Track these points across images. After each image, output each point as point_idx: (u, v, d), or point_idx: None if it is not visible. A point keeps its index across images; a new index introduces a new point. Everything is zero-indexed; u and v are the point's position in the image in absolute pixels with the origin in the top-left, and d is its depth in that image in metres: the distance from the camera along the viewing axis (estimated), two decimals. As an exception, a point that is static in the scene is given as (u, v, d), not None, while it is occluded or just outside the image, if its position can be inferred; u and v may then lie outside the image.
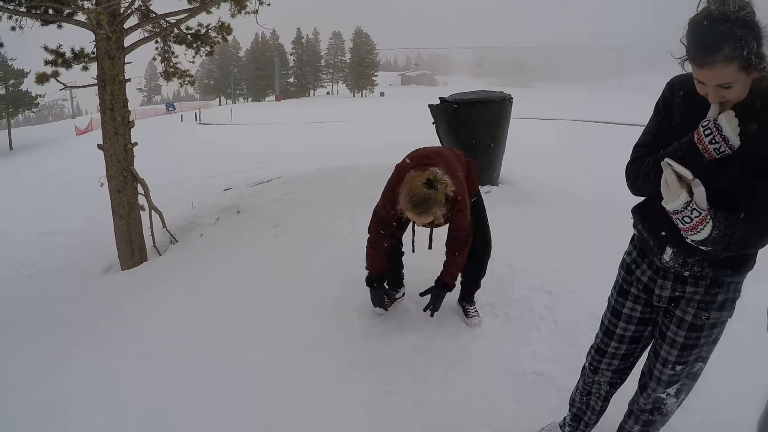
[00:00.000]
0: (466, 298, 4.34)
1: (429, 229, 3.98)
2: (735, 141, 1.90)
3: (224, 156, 18.99)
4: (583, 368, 2.72)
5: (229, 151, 20.64)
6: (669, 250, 2.18)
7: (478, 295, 4.42)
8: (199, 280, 5.30)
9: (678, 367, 2.31)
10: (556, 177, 9.07)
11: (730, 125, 1.89)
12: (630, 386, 2.65)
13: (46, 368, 4.08)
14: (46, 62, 7.47)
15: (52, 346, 4.45)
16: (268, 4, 8.02)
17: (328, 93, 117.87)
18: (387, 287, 4.23)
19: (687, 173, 1.86)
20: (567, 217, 6.59)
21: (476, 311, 4.28)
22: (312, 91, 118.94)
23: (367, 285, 4.09)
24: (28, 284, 7.20)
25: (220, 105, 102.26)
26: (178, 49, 8.70)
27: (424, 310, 3.95)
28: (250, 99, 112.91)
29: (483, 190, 7.24)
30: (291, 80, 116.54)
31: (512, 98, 7.39)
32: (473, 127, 7.05)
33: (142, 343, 4.25)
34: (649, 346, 2.50)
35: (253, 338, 4.16)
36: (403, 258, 4.44)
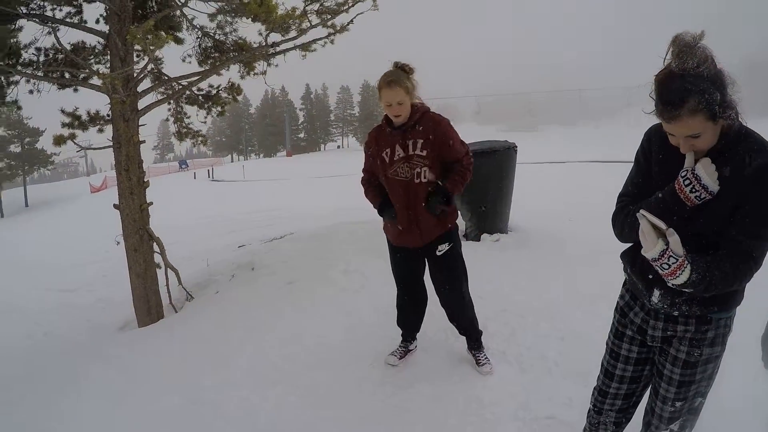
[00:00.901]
0: (473, 345, 4.38)
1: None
2: (714, 187, 2.03)
3: (237, 212, 19.16)
4: (588, 410, 2.76)
5: (242, 207, 20.81)
6: (657, 292, 2.28)
7: (488, 344, 4.46)
8: (217, 337, 5.38)
9: (678, 404, 2.37)
10: (566, 222, 9.13)
11: (707, 173, 2.02)
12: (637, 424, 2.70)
13: (62, 424, 4.17)
14: (63, 124, 7.69)
15: (69, 402, 4.53)
16: (276, 65, 8.25)
17: (338, 147, 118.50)
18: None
19: (661, 224, 1.99)
20: (577, 261, 6.63)
21: (486, 358, 4.31)
22: (323, 146, 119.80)
23: (381, 215, 4.13)
24: (44, 342, 7.30)
25: (232, 161, 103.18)
26: (190, 110, 8.92)
27: (427, 208, 3.93)
28: (261, 155, 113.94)
29: (492, 238, 7.40)
30: (301, 135, 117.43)
31: (516, 147, 7.54)
32: (480, 176, 7.16)
33: (163, 402, 4.32)
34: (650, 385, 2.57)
35: (269, 394, 4.23)
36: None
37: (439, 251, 4.05)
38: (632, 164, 2.40)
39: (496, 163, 7.23)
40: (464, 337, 4.41)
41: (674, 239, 1.98)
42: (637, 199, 2.30)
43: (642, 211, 2.04)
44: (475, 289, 4.29)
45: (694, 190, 2.05)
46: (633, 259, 2.38)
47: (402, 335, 4.52)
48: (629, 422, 2.73)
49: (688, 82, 1.90)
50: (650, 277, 2.25)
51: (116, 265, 9.51)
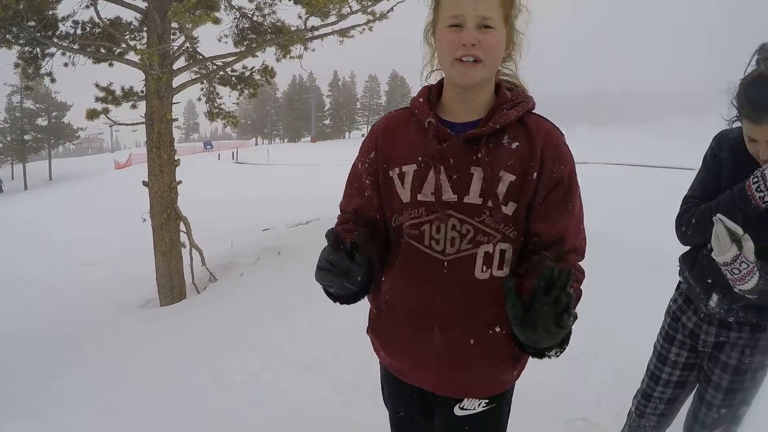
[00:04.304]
0: None
1: None
2: None
3: (261, 195, 19.16)
4: (629, 412, 2.73)
5: (266, 190, 20.84)
6: (715, 297, 2.25)
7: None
8: (243, 320, 5.36)
9: (723, 410, 2.35)
10: (599, 224, 9.00)
11: None
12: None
13: (93, 392, 4.20)
14: (97, 99, 7.73)
15: (99, 374, 4.55)
16: (313, 50, 8.22)
17: (362, 135, 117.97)
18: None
19: (737, 229, 1.95)
20: (610, 263, 6.54)
21: None
22: (347, 133, 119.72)
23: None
24: (64, 312, 7.30)
25: (256, 145, 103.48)
26: (222, 91, 8.95)
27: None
28: (286, 139, 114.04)
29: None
30: (327, 122, 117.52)
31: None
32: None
33: (189, 382, 4.30)
34: (694, 390, 2.53)
35: (298, 380, 4.20)
36: None
37: (462, 410, 1.81)
38: (699, 167, 2.37)
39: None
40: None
41: (748, 245, 1.95)
42: (702, 201, 2.27)
43: (719, 216, 2.01)
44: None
45: (760, 190, 2.02)
46: (692, 262, 2.36)
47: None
48: (668, 427, 2.68)
49: None
50: (709, 281, 2.24)
51: (138, 242, 9.53)
